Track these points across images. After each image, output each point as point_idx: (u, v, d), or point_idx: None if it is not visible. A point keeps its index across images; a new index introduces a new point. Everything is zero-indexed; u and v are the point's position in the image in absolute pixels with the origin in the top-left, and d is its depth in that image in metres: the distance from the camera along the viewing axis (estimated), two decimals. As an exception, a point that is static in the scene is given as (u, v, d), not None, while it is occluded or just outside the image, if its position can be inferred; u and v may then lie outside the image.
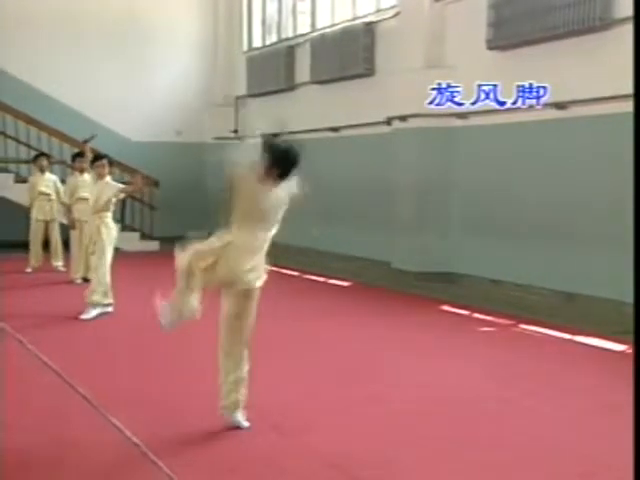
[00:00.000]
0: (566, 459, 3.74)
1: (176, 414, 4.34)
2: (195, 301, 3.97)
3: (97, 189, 7.39)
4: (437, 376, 5.25)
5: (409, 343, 6.26)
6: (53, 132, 12.19)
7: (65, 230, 10.13)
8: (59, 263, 10.06)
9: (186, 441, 3.87)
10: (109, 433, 3.98)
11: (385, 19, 10.48)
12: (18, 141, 12.11)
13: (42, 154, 10.61)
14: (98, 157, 7.55)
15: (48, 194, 10.04)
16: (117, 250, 11.88)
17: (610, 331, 6.47)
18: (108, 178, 7.48)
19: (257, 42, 13.96)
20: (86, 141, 7.91)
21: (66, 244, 10.13)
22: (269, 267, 4.24)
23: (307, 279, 9.73)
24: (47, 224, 10.08)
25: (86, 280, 8.62)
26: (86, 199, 8.55)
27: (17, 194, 10.78)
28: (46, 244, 10.12)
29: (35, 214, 10.04)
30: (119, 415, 4.19)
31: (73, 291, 8.36)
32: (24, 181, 10.83)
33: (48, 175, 10.20)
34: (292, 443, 3.89)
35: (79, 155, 9.24)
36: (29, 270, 9.97)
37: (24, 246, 10.12)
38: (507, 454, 3.79)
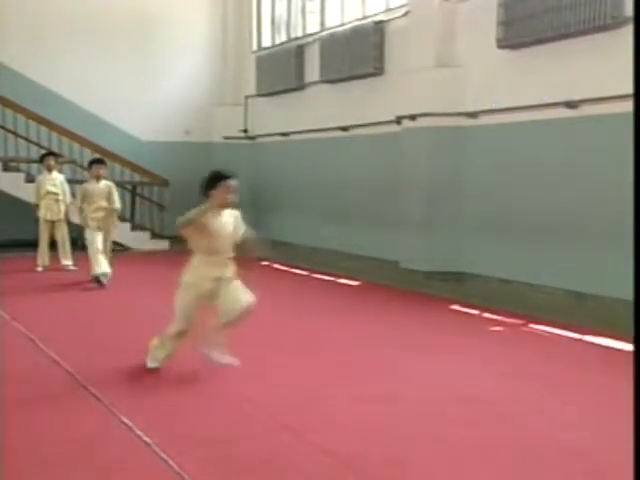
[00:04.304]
0: (573, 458, 3.73)
1: (187, 412, 4.34)
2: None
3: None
4: (446, 376, 5.23)
5: (418, 342, 6.25)
6: (63, 132, 12.24)
7: (73, 229, 10.20)
8: (68, 262, 10.09)
9: (197, 440, 3.87)
10: (120, 431, 3.99)
11: (395, 18, 10.46)
12: (29, 141, 12.16)
13: (49, 153, 10.64)
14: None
15: (56, 193, 10.06)
16: (128, 249, 12.04)
17: (620, 331, 6.44)
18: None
19: (266, 41, 13.96)
20: None
21: (74, 243, 10.17)
22: None
23: (316, 278, 9.73)
24: (54, 223, 10.11)
25: (98, 281, 8.63)
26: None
27: (28, 194, 10.83)
28: (53, 243, 10.16)
29: (43, 213, 10.08)
30: (130, 413, 4.20)
31: (85, 289, 8.40)
32: (34, 181, 10.88)
33: (56, 174, 10.22)
34: (303, 442, 3.88)
35: (96, 162, 9.26)
36: (40, 269, 10.02)
37: (36, 245, 10.17)
38: (516, 453, 3.77)
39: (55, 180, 10.15)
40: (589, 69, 7.70)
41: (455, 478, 3.50)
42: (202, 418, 4.25)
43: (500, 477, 3.52)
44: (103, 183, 9.04)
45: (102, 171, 9.09)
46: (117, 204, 9.12)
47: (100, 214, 8.94)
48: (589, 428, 4.19)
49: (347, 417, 4.29)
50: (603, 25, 7.40)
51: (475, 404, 4.57)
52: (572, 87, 7.84)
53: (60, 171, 10.52)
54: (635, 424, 2.33)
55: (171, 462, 3.54)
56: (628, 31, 7.26)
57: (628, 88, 7.14)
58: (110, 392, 4.62)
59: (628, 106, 7.16)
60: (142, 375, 5.12)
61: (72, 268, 9.94)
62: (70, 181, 10.56)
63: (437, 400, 4.65)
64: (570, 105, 7.87)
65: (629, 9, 7.24)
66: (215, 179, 4.91)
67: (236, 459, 3.65)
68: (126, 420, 4.11)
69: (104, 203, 8.95)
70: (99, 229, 8.89)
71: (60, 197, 10.09)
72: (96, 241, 8.75)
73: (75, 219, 9.92)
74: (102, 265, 8.67)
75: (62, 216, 10.11)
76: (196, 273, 4.97)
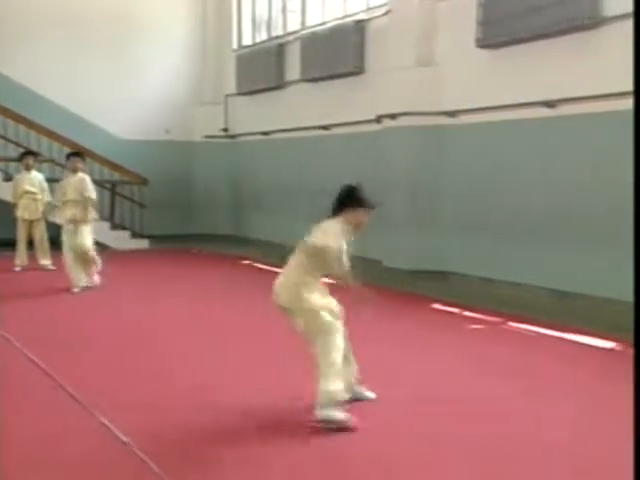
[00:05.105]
0: (558, 457, 3.73)
1: (168, 414, 4.31)
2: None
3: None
4: (428, 374, 5.25)
5: (400, 341, 6.26)
6: (42, 130, 12.13)
7: (52, 228, 10.11)
8: (47, 262, 10.00)
9: (178, 441, 3.85)
10: (97, 433, 3.96)
11: (375, 17, 10.49)
12: (7, 139, 12.04)
13: (28, 152, 10.53)
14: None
15: (34, 193, 9.97)
16: (107, 249, 11.98)
17: (600, 328, 6.50)
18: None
19: (247, 40, 13.94)
20: None
21: (52, 242, 10.09)
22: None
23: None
24: (32, 223, 10.01)
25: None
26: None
27: (6, 192, 10.72)
28: (31, 243, 10.06)
29: (21, 213, 9.99)
30: (109, 414, 4.17)
31: (64, 290, 8.33)
32: (12, 180, 10.77)
33: (34, 173, 10.14)
34: (284, 440, 3.87)
35: (74, 155, 9.01)
36: (17, 269, 9.93)
37: (14, 244, 10.08)
38: (499, 452, 3.78)
39: (33, 179, 10.05)
40: (567, 69, 7.76)
41: (438, 476, 3.51)
42: (183, 419, 4.23)
43: (484, 475, 3.52)
44: (78, 176, 8.58)
45: (80, 164, 8.65)
46: (91, 193, 8.49)
47: (72, 210, 8.43)
48: (573, 426, 4.20)
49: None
50: (581, 25, 7.47)
51: (457, 402, 4.58)
52: (550, 87, 7.90)
53: (39, 170, 10.42)
54: (635, 424, 2.33)
55: (151, 464, 3.51)
56: (605, 31, 7.35)
57: (605, 87, 7.22)
58: (88, 392, 4.57)
59: (606, 105, 7.25)
60: (118, 373, 5.09)
61: (51, 267, 9.87)
62: (49, 180, 10.46)
63: (420, 398, 4.65)
64: (549, 104, 7.93)
65: (606, 9, 7.32)
66: (362, 201, 4.28)
67: (218, 459, 3.64)
68: (104, 420, 4.08)
69: (77, 197, 8.43)
70: (73, 225, 8.42)
71: (38, 196, 10.00)
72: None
73: (54, 218, 9.82)
74: (78, 277, 8.34)
75: (40, 215, 10.02)
76: (319, 292, 4.32)
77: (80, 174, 8.64)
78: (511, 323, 6.98)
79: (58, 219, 9.04)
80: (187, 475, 3.45)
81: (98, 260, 8.60)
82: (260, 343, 6.08)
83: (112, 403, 4.42)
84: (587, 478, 3.52)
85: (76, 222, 8.40)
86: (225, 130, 14.19)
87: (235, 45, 14.09)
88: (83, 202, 8.45)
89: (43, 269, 9.90)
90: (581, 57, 7.62)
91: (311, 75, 11.57)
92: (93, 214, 8.62)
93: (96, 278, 8.54)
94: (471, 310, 7.55)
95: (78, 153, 9.23)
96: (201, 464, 3.58)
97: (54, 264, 9.77)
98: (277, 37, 12.94)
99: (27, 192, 9.94)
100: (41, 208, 10.00)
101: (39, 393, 4.70)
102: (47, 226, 10.12)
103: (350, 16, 11.06)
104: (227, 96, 14.06)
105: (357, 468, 3.56)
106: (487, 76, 8.72)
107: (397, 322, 7.04)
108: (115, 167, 12.75)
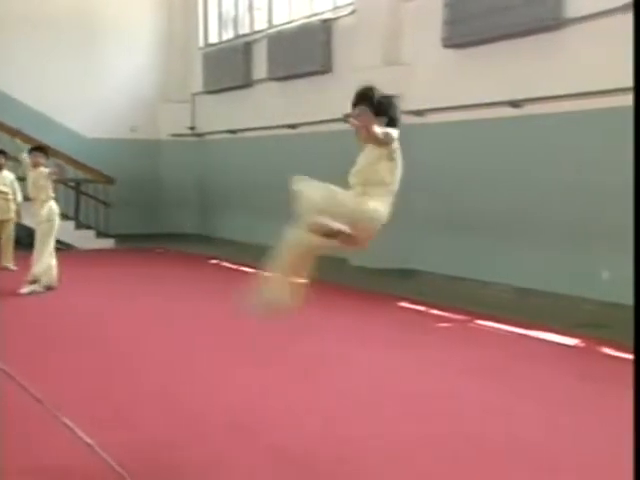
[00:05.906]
0: (528, 453, 3.74)
1: (134, 415, 4.27)
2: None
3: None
4: (393, 372, 5.26)
5: (366, 339, 6.27)
6: (4, 128, 11.92)
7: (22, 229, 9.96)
8: (9, 263, 9.85)
9: (144, 444, 3.81)
10: (61, 434, 3.90)
11: (342, 16, 10.51)
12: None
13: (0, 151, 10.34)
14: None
15: (5, 192, 9.83)
16: (72, 248, 11.82)
17: (565, 326, 6.57)
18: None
19: (213, 38, 13.87)
20: None
21: (17, 243, 9.93)
22: None
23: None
24: (2, 223, 9.86)
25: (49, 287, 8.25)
26: None
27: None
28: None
29: None
30: (72, 415, 4.11)
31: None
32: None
33: (6, 173, 9.97)
34: (253, 442, 3.84)
35: (36, 149, 8.81)
36: (-17, 270, 9.77)
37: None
38: (463, 449, 3.79)
39: (5, 179, 9.91)
40: (532, 69, 7.85)
41: (409, 476, 3.50)
42: (152, 423, 4.18)
43: (456, 474, 3.52)
44: (38, 171, 8.26)
45: (42, 160, 8.34)
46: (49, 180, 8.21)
47: (35, 207, 8.22)
48: (542, 422, 4.22)
49: (296, 415, 4.27)
50: (545, 26, 7.57)
51: (421, 400, 4.60)
52: (516, 86, 7.98)
53: (13, 170, 10.23)
54: (635, 424, 2.34)
55: (112, 463, 3.47)
56: (568, 32, 7.47)
57: (569, 88, 7.33)
58: (51, 394, 4.50)
59: (571, 105, 7.35)
60: (82, 374, 5.02)
61: (12, 268, 9.72)
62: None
63: (382, 396, 4.66)
64: (514, 104, 8.00)
65: (569, 11, 7.43)
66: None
67: (180, 461, 3.60)
68: (68, 422, 4.02)
69: (36, 194, 8.21)
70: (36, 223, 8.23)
71: (10, 196, 9.87)
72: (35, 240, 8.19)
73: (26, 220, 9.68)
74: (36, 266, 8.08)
75: (12, 215, 9.88)
76: None
77: (41, 169, 8.30)
78: (478, 321, 7.03)
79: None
80: (152, 478, 3.42)
81: (53, 262, 8.17)
82: (229, 343, 6.05)
83: (76, 404, 4.35)
84: (558, 474, 3.54)
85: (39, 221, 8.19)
86: (192, 128, 14.09)
87: (202, 43, 14.00)
88: (43, 197, 8.17)
89: (7, 270, 9.75)
90: (546, 57, 7.71)
91: (278, 74, 11.54)
92: (54, 207, 8.26)
93: (37, 286, 8.06)
94: (438, 308, 7.59)
95: (40, 147, 8.95)
96: (167, 468, 3.54)
97: (16, 265, 9.62)
98: (244, 35, 12.89)
99: None
100: (13, 208, 9.86)
101: (5, 400, 4.61)
102: (16, 227, 9.97)
103: (317, 15, 11.06)
104: (194, 94, 13.97)
105: (323, 466, 3.55)
106: (453, 75, 8.78)
107: (363, 320, 7.05)
108: (79, 166, 12.58)
